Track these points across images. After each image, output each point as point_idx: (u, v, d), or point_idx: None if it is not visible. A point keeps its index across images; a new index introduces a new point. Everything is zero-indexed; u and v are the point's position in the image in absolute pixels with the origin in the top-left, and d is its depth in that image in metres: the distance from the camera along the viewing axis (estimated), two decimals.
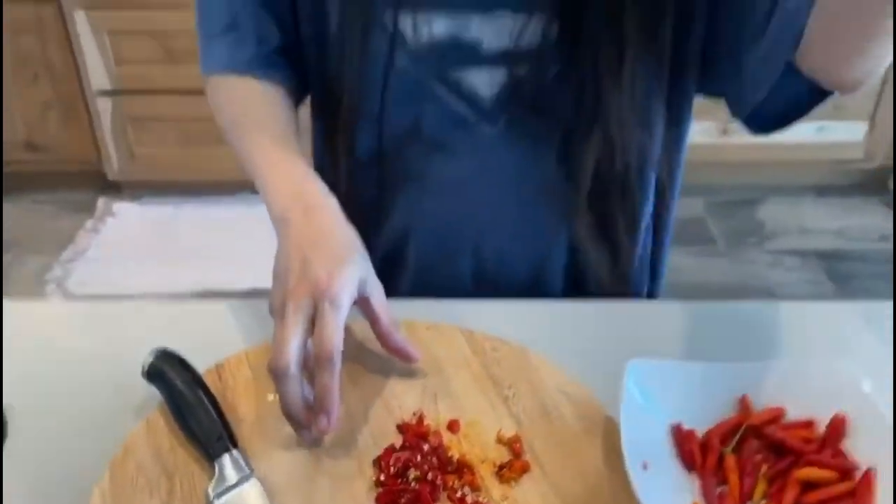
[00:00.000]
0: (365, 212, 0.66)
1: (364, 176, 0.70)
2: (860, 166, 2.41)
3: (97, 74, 2.16)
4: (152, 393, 0.55)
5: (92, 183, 2.40)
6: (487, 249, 0.73)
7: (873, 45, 0.51)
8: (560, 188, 0.68)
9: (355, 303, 0.54)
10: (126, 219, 2.33)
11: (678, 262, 2.17)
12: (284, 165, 0.62)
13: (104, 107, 2.22)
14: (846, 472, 0.50)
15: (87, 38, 2.11)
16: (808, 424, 0.53)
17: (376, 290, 0.56)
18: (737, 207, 2.40)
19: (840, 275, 2.13)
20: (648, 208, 0.74)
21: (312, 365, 0.50)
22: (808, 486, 0.50)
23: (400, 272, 0.74)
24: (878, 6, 0.47)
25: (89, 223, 2.29)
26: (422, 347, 0.59)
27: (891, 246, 2.26)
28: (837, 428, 0.52)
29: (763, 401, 0.54)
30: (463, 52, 0.64)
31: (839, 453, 0.51)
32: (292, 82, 0.71)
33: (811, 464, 0.50)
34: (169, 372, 0.54)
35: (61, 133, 2.28)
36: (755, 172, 2.43)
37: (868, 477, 0.49)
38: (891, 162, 2.41)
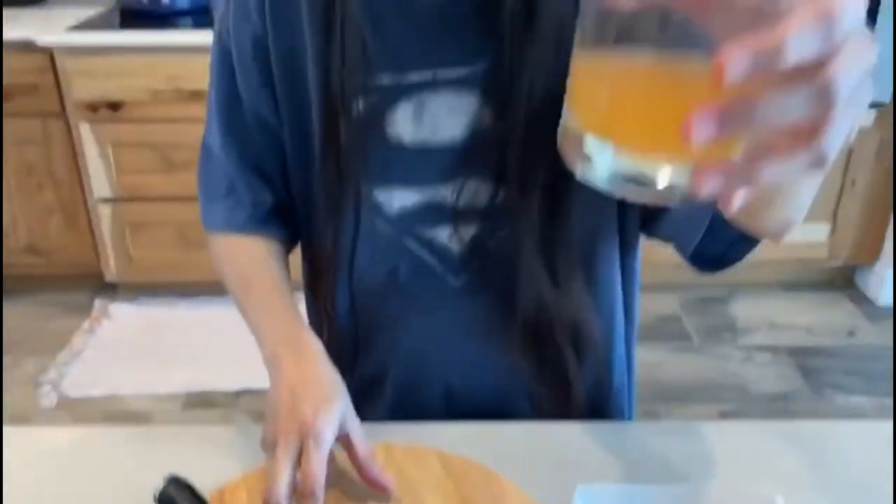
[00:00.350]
0: (345, 352, 0.75)
1: (344, 322, 0.79)
2: (825, 264, 2.53)
3: (99, 183, 2.28)
4: None
5: (89, 284, 2.49)
6: (457, 383, 0.80)
7: (786, 199, 0.54)
8: (516, 333, 0.76)
9: (337, 438, 0.62)
10: (121, 319, 2.41)
11: (655, 358, 2.26)
12: (276, 312, 0.71)
13: (104, 213, 2.33)
14: None
15: (91, 149, 2.23)
16: None
17: (355, 426, 0.64)
18: (710, 304, 2.51)
19: (811, 370, 2.21)
20: (601, 354, 0.80)
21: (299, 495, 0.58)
22: None
23: (379, 400, 0.82)
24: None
25: (85, 324, 2.37)
26: (398, 469, 0.67)
27: (859, 342, 2.35)
28: None
29: None
30: (432, 214, 0.73)
31: None
32: (285, 236, 0.81)
33: None
34: (179, 498, 0.62)
35: (62, 238, 2.39)
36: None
37: None
38: (855, 260, 2.53)
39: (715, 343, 2.34)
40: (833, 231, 2.45)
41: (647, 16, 0.33)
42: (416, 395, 0.81)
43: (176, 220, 2.33)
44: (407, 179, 0.72)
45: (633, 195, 0.37)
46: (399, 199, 0.73)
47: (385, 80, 0.69)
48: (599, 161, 0.36)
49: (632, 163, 0.36)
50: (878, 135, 2.33)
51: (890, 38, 2.17)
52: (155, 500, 0.63)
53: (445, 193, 0.72)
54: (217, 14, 0.75)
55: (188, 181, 2.23)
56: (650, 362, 2.24)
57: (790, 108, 0.32)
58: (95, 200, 2.31)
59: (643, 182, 0.36)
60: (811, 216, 2.35)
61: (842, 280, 2.61)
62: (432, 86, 0.69)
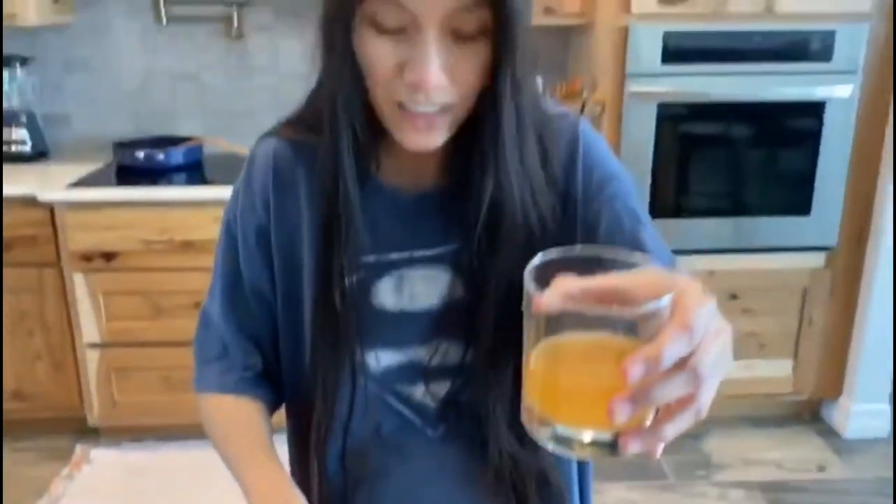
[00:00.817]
0: (335, 494, 0.83)
1: (332, 474, 0.87)
2: (791, 399, 2.62)
3: (88, 329, 2.36)
4: None
5: (71, 429, 2.51)
6: None
7: None
8: (489, 480, 0.84)
9: None
10: (102, 465, 2.41)
11: (634, 496, 2.29)
12: (263, 469, 0.79)
13: (91, 358, 2.39)
14: None
15: (83, 296, 2.33)
16: None
17: None
18: (684, 441, 2.56)
19: None
20: (563, 496, 0.88)
21: None
22: None
23: None
24: None
25: (65, 470, 2.37)
26: None
27: (830, 477, 2.41)
28: None
29: None
30: (410, 373, 0.84)
31: None
32: (271, 398, 0.90)
33: None
34: None
35: (48, 383, 2.43)
36: None
37: None
38: (820, 394, 2.63)
39: (690, 480, 2.38)
40: (795, 367, 2.56)
41: (569, 314, 0.48)
42: None
43: (161, 365, 2.40)
44: (390, 342, 0.84)
45: (574, 456, 0.51)
46: (384, 359, 0.84)
47: (371, 259, 0.82)
48: (548, 432, 0.50)
49: (570, 434, 0.50)
50: (830, 275, 2.48)
51: (840, 194, 2.37)
52: None
53: (423, 354, 0.83)
54: (227, 206, 0.88)
55: (175, 326, 2.34)
56: (629, 500, 2.27)
57: (673, 389, 0.48)
58: (84, 345, 2.37)
59: (580, 446, 0.50)
60: (775, 353, 2.49)
61: (808, 414, 2.69)
62: (410, 263, 0.83)
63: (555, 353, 0.49)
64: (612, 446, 0.49)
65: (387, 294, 0.83)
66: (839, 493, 2.32)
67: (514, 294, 0.62)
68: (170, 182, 2.41)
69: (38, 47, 2.63)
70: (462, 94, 0.71)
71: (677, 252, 2.59)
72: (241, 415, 0.86)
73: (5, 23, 2.26)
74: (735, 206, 2.41)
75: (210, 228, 2.25)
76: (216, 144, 2.57)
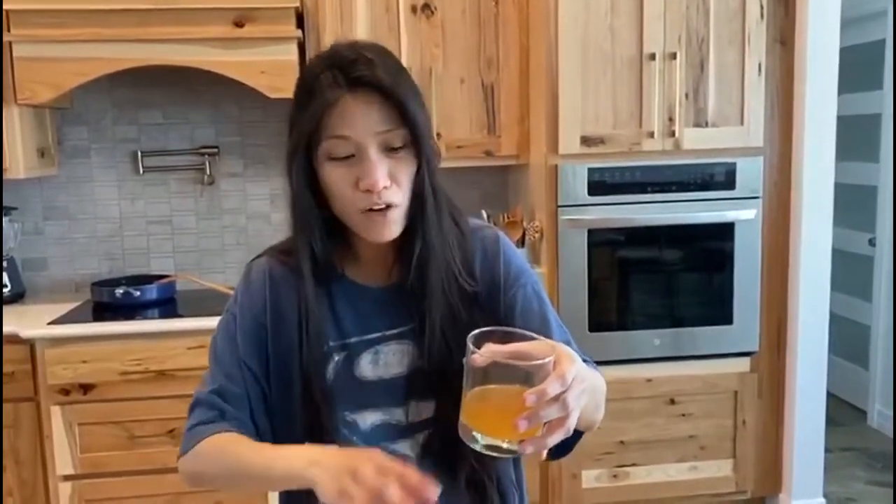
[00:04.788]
0: None
1: None
2: (735, 497, 2.78)
3: (62, 461, 2.43)
4: None
5: None
6: None
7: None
8: (457, 483, 1.03)
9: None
10: None
11: None
12: (285, 446, 0.94)
13: (63, 491, 2.44)
14: None
15: (59, 429, 2.41)
16: None
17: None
18: None
19: None
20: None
21: None
22: None
23: None
24: None
25: None
26: None
27: None
28: None
29: None
30: (392, 430, 1.05)
31: None
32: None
33: None
34: None
35: None
36: None
37: None
38: (760, 492, 2.80)
39: None
40: (735, 466, 2.74)
41: (495, 366, 0.78)
42: None
43: (135, 494, 2.46)
44: (372, 404, 1.06)
45: (494, 455, 0.79)
46: (369, 418, 1.05)
47: (353, 339, 1.07)
48: (476, 440, 0.79)
49: (491, 442, 0.78)
50: (756, 378, 2.72)
51: (756, 303, 2.65)
52: None
53: (400, 414, 1.05)
54: (227, 306, 1.10)
55: (148, 455, 2.44)
56: None
57: (553, 412, 0.76)
58: (57, 478, 2.44)
59: (498, 449, 0.78)
60: (715, 454, 2.71)
61: None
62: (382, 340, 1.07)
63: (483, 391, 0.79)
64: (514, 448, 0.78)
65: (366, 366, 1.06)
66: None
67: (456, 359, 0.92)
68: (144, 316, 2.57)
69: (20, 197, 2.84)
70: (403, 193, 0.98)
71: (618, 362, 2.84)
72: (232, 436, 0.99)
73: None
74: (668, 319, 2.67)
75: (183, 358, 2.41)
76: (188, 280, 2.76)
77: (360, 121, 0.94)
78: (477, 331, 0.81)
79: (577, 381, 0.78)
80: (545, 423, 0.77)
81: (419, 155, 0.98)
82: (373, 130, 0.94)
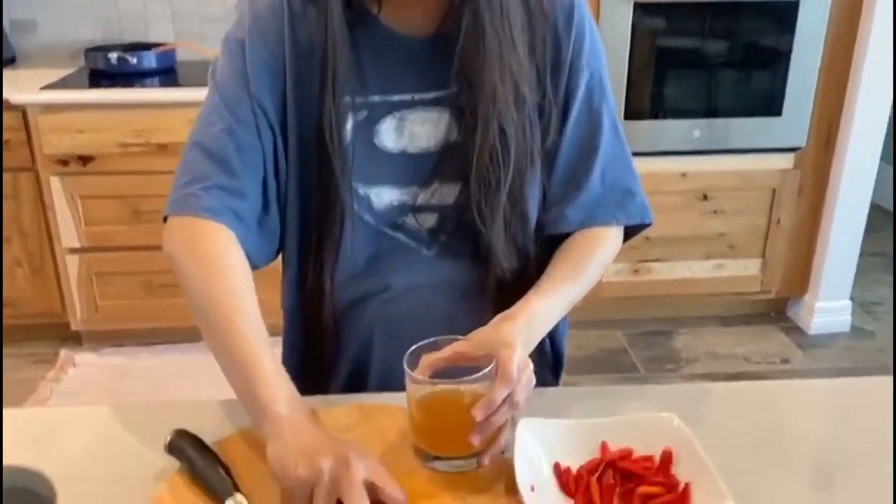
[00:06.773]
0: (342, 320, 0.90)
1: (342, 293, 0.92)
2: (758, 297, 2.71)
3: (67, 234, 2.36)
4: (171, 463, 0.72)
5: (55, 334, 2.54)
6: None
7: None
8: (480, 289, 0.91)
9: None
10: (86, 368, 2.45)
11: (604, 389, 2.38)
12: (273, 368, 0.74)
13: (72, 263, 2.40)
14: (672, 486, 0.69)
15: (60, 201, 2.32)
16: (648, 458, 0.73)
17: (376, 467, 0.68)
18: (654, 338, 2.66)
19: None
20: None
21: None
22: (647, 497, 0.69)
23: (367, 374, 0.94)
24: None
25: (51, 374, 2.41)
26: (369, 418, 0.80)
27: (793, 368, 2.52)
28: (666, 459, 0.72)
29: (617, 444, 0.75)
30: (407, 207, 0.91)
31: (668, 475, 0.71)
32: (254, 250, 0.87)
33: (649, 483, 0.69)
34: (187, 446, 0.72)
35: (28, 289, 2.44)
36: (666, 306, 2.71)
37: (686, 489, 0.69)
38: (786, 292, 2.72)
39: (659, 373, 2.47)
40: (763, 266, 2.64)
41: (438, 386, 0.73)
42: (399, 364, 0.82)
43: (142, 270, 2.41)
44: (391, 180, 0.90)
45: (453, 471, 0.73)
46: (385, 196, 0.90)
47: (375, 98, 0.87)
48: (433, 461, 0.74)
49: (449, 463, 0.74)
50: (798, 175, 2.54)
51: (811, 94, 2.41)
52: (165, 450, 0.73)
53: (420, 194, 0.90)
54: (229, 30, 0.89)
55: (155, 231, 2.30)
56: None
57: (503, 416, 0.71)
58: (63, 250, 2.38)
59: (458, 467, 0.73)
60: (744, 253, 2.57)
61: (775, 312, 2.80)
62: (410, 105, 0.88)
63: (430, 413, 0.73)
64: (469, 463, 0.74)
65: (388, 134, 0.89)
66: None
67: (504, 135, 0.81)
68: (143, 85, 2.39)
69: None
70: None
71: (651, 154, 2.64)
72: (228, 279, 0.80)
73: None
74: (711, 108, 2.44)
75: (185, 132, 2.21)
76: (190, 49, 2.54)
77: None
78: (412, 349, 0.75)
79: (523, 369, 0.72)
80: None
81: None
82: None
